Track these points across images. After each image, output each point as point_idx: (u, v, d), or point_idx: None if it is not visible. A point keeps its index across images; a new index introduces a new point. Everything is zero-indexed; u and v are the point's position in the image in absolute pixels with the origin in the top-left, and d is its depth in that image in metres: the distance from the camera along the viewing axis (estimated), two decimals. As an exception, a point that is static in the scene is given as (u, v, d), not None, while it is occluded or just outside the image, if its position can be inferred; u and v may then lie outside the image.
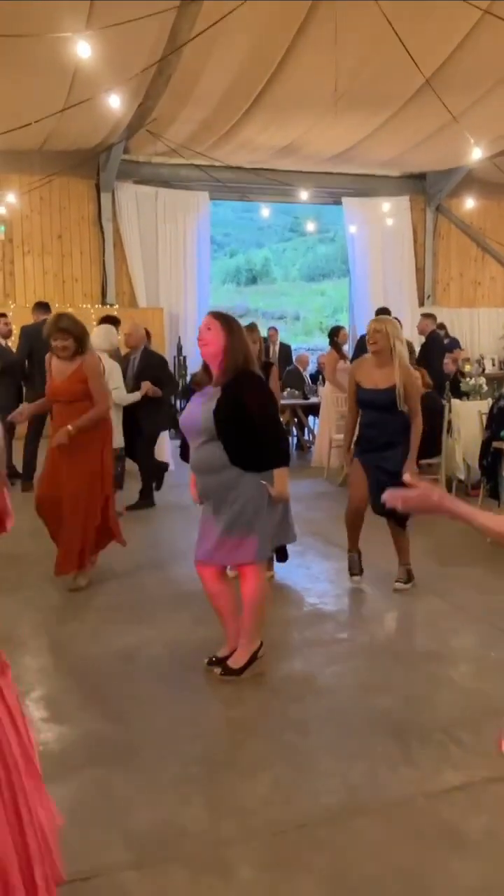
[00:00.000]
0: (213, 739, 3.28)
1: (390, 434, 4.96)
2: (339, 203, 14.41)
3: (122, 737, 3.33)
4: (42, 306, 9.07)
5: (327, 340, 9.72)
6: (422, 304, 14.53)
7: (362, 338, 8.56)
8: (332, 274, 29.77)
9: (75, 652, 4.23)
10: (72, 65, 8.04)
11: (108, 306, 12.30)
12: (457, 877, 2.47)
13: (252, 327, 5.51)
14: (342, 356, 9.20)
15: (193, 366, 13.13)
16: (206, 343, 3.68)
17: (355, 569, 5.23)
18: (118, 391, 6.94)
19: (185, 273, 13.44)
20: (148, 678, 3.90)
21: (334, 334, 9.33)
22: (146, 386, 7.21)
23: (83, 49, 6.30)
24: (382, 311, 9.76)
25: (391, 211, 13.69)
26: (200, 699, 3.66)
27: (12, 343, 8.69)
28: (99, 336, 7.07)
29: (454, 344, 12.56)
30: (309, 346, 20.42)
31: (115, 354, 7.29)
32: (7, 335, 8.58)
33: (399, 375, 4.90)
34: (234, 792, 2.91)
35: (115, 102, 7.35)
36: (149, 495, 7.53)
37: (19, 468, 8.00)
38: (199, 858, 2.57)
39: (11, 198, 10.41)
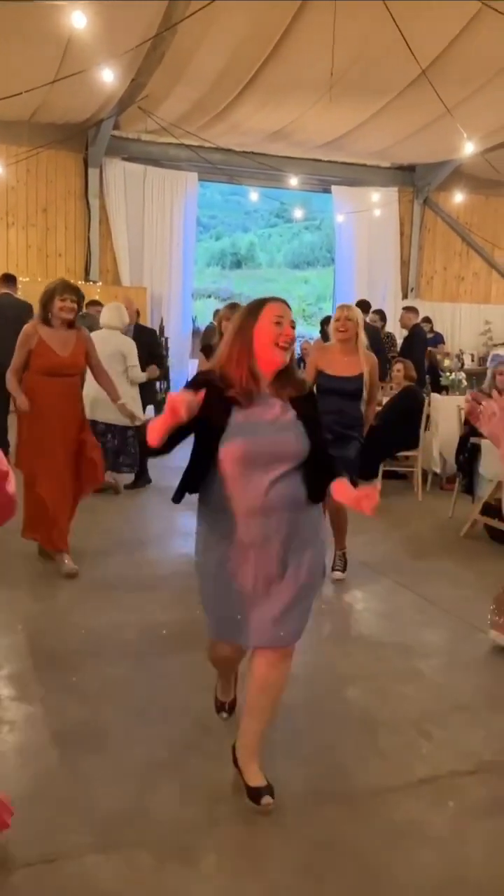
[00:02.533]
0: (183, 724, 3.27)
1: (349, 421, 4.98)
2: (328, 191, 14.34)
3: (91, 719, 3.31)
4: (8, 279, 8.57)
5: (310, 327, 9.72)
6: (405, 296, 14.54)
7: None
8: (316, 262, 29.67)
9: (46, 632, 4.20)
10: (65, 35, 7.90)
11: (91, 283, 12.17)
12: (421, 869, 2.49)
13: (236, 306, 5.43)
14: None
15: (175, 346, 13.05)
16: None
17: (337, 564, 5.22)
18: (135, 369, 7.00)
19: (170, 253, 13.32)
20: (119, 660, 3.87)
21: (326, 323, 9.32)
22: (152, 369, 7.25)
23: (78, 19, 6.18)
24: (362, 304, 9.76)
25: (379, 202, 13.65)
26: (171, 683, 3.65)
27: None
28: (111, 314, 7.05)
29: (438, 338, 12.61)
30: (292, 332, 20.32)
31: (126, 332, 7.29)
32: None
33: (366, 363, 4.96)
34: (201, 778, 2.90)
35: (108, 76, 7.24)
36: (144, 472, 7.54)
37: None
38: (164, 844, 2.56)
39: (0, 170, 10.22)
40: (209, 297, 26.30)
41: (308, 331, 16.48)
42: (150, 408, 8.26)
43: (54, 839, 2.55)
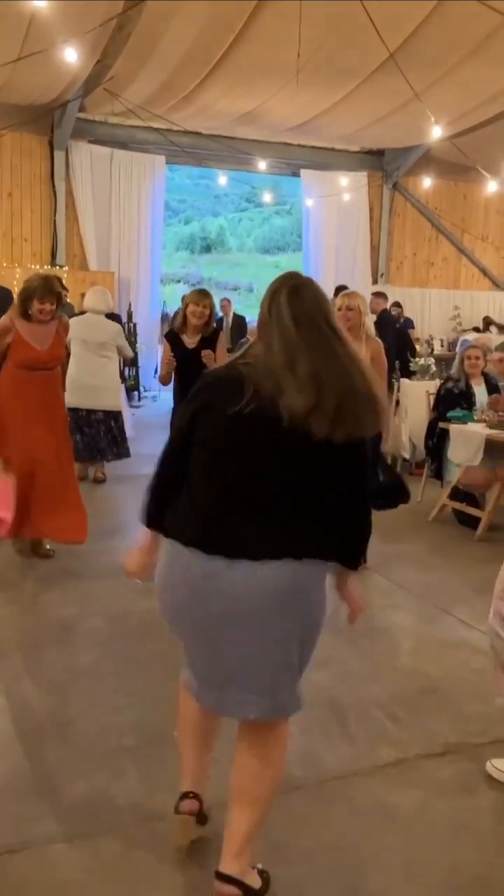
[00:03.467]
0: (151, 712, 3.25)
1: None
2: (297, 175, 14.28)
3: (58, 708, 3.28)
4: None
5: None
6: (375, 281, 14.54)
7: None
8: (287, 247, 29.58)
9: (12, 621, 4.15)
10: (27, 14, 7.74)
11: (57, 267, 12.02)
12: (388, 851, 2.50)
13: (204, 292, 5.37)
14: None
15: (144, 332, 12.93)
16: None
17: None
18: (126, 348, 7.19)
19: (138, 237, 13.19)
20: (86, 649, 3.84)
21: None
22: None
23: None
24: (341, 290, 9.72)
25: (348, 186, 13.63)
26: (139, 672, 3.63)
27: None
28: (96, 298, 7.04)
29: (409, 324, 12.62)
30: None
31: (110, 317, 7.38)
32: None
33: (368, 350, 4.72)
34: (169, 765, 2.88)
35: (70, 56, 7.11)
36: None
37: None
38: (131, 832, 2.55)
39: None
40: (178, 282, 26.13)
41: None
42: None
43: (19, 829, 2.52)
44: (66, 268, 12.23)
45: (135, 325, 12.56)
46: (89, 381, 6.84)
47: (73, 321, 6.23)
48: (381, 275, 14.87)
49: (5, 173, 12.16)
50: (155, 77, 10.22)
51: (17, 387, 4.79)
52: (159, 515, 2.22)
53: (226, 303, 12.52)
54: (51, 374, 4.93)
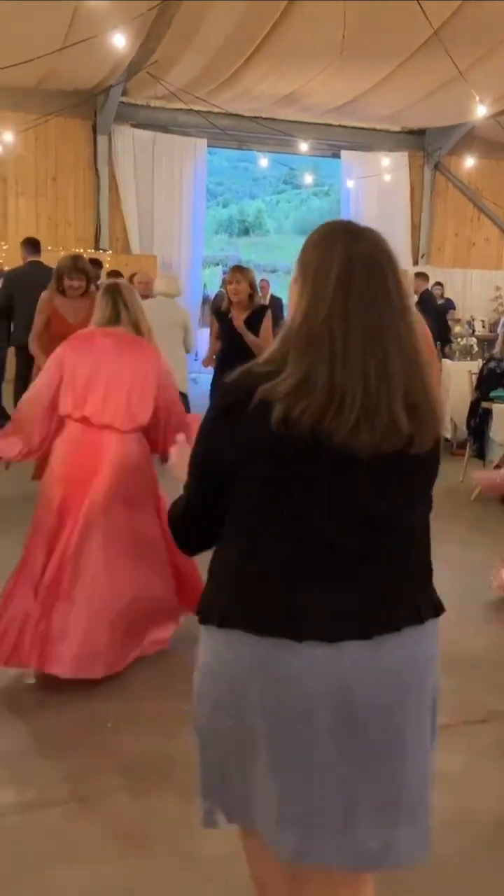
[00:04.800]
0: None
1: None
2: (337, 156, 14.24)
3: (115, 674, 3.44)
4: (32, 245, 8.44)
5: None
6: (416, 262, 14.47)
7: None
8: (325, 229, 29.47)
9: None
10: (71, 5, 7.87)
11: (101, 251, 12.18)
12: (435, 808, 2.61)
13: (238, 268, 5.45)
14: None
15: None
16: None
17: None
18: (191, 336, 7.19)
19: (179, 221, 13.29)
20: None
21: None
22: None
23: None
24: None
25: (389, 167, 13.56)
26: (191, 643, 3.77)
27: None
28: (167, 281, 7.20)
29: (449, 304, 12.58)
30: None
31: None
32: (-1, 276, 8.52)
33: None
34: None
35: (119, 42, 7.21)
36: None
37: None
38: (187, 785, 2.68)
39: (8, 136, 10.19)
40: (217, 265, 26.22)
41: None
42: None
43: (85, 781, 2.69)
44: (110, 251, 12.39)
45: (176, 308, 12.68)
46: None
47: (144, 304, 6.37)
48: (422, 255, 14.79)
49: (50, 158, 12.33)
50: (197, 60, 10.27)
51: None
52: None
53: (264, 284, 12.58)
54: None
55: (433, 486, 1.61)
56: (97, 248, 12.45)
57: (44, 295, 5.33)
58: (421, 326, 4.72)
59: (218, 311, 5.45)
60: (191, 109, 12.00)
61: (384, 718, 1.49)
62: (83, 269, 5.23)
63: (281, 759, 1.48)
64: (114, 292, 3.59)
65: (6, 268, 8.60)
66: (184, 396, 7.40)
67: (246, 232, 31.31)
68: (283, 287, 20.24)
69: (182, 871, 2.32)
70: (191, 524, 1.62)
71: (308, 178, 13.82)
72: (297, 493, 1.44)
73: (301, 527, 1.45)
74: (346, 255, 1.45)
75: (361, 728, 1.48)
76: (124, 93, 11.88)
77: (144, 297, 7.52)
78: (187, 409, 7.46)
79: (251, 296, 5.30)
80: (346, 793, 1.49)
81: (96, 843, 2.41)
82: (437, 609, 1.62)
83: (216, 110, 12.11)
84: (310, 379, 1.40)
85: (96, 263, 8.18)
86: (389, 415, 1.42)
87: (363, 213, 14.37)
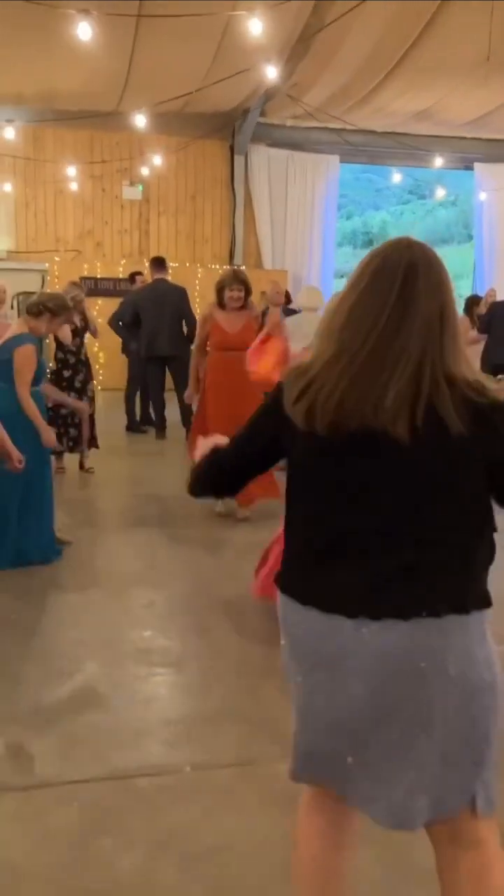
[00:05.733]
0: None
1: None
2: (469, 168, 14.21)
3: (269, 651, 3.72)
4: (158, 263, 8.70)
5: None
6: (552, 274, 14.22)
7: (494, 304, 8.61)
8: (452, 239, 29.11)
9: (215, 588, 4.67)
10: (218, 32, 8.31)
11: (235, 267, 12.65)
12: None
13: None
14: (474, 325, 9.23)
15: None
16: None
17: None
18: None
19: (310, 236, 13.63)
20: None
21: (475, 304, 9.33)
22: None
23: (254, 25, 6.47)
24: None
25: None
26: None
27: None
28: (309, 295, 7.53)
29: None
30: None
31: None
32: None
33: None
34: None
35: (271, 73, 7.59)
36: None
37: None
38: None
39: (157, 160, 10.83)
40: (342, 277, 26.37)
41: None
42: None
43: (249, 749, 2.98)
44: (244, 267, 12.85)
45: (306, 321, 12.97)
46: None
47: (288, 320, 6.68)
48: None
49: (190, 177, 12.96)
50: (335, 80, 10.58)
51: (215, 364, 5.69)
52: None
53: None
54: (240, 355, 5.49)
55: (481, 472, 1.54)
56: (232, 263, 12.96)
57: (204, 311, 5.84)
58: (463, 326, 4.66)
59: None
60: (325, 127, 12.32)
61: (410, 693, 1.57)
62: (243, 281, 5.66)
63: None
64: None
65: (148, 280, 9.06)
66: None
67: (370, 243, 31.16)
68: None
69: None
70: (215, 468, 1.87)
71: (440, 192, 13.84)
72: (324, 478, 1.59)
73: (327, 513, 1.60)
74: (391, 261, 1.58)
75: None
76: (262, 113, 12.34)
77: (276, 305, 7.86)
78: None
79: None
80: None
81: (258, 800, 2.70)
82: (483, 601, 1.59)
83: (349, 127, 12.38)
84: (335, 367, 1.54)
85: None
86: (418, 402, 1.48)
87: (496, 225, 14.27)
